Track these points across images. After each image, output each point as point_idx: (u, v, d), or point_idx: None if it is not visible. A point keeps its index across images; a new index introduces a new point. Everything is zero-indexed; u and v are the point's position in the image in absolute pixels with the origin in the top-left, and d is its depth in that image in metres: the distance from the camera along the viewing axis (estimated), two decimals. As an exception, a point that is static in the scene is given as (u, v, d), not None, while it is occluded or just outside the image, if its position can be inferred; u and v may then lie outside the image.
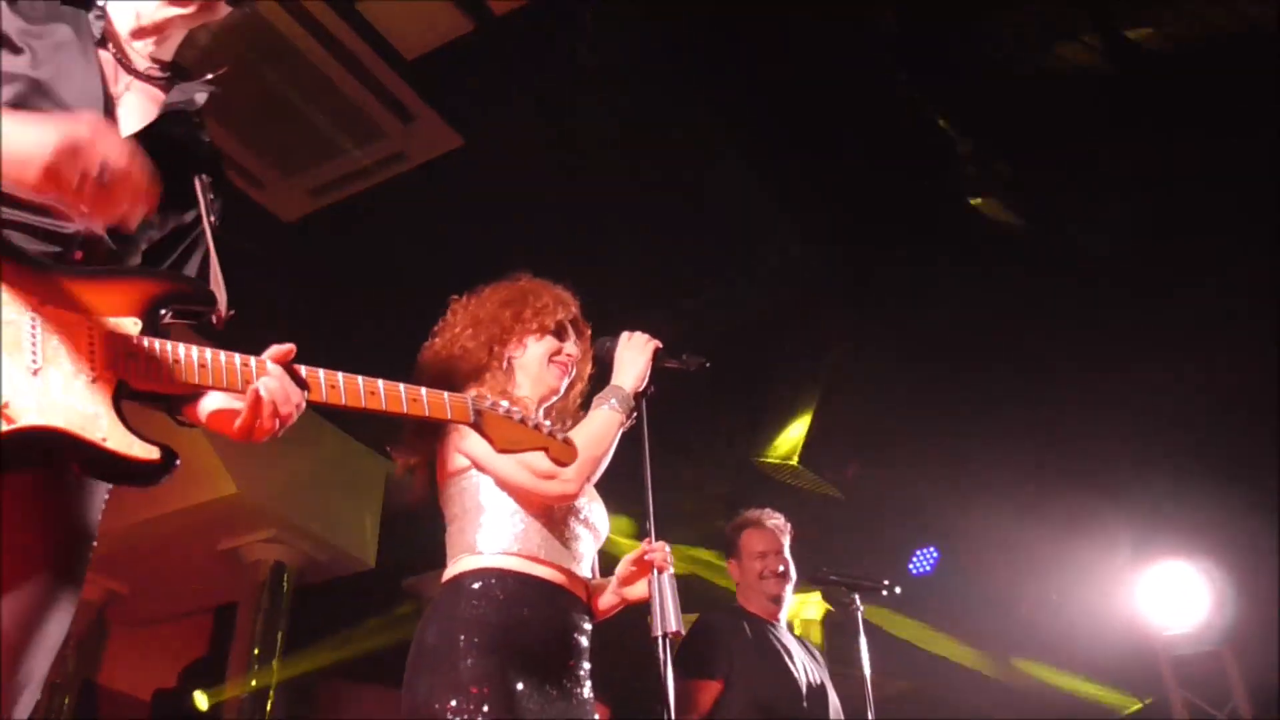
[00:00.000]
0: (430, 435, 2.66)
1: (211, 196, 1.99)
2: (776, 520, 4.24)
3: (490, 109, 5.70)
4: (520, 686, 2.38)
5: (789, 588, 4.13)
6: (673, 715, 2.31)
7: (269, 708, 7.44)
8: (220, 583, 8.24)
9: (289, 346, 1.81)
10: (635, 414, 2.61)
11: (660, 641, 2.33)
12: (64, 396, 1.61)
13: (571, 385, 2.82)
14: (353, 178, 6.02)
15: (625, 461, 2.61)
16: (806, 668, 3.98)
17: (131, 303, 1.72)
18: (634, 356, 2.66)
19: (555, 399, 2.79)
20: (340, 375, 1.88)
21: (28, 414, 1.56)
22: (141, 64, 1.96)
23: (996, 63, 5.39)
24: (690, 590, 3.90)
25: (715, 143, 5.98)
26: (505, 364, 2.71)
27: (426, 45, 5.25)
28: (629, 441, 2.62)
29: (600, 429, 2.54)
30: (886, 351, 6.92)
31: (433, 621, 2.50)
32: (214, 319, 1.86)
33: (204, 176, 1.98)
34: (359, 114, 5.61)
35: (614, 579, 2.66)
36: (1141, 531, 7.14)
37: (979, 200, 6.01)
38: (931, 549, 7.41)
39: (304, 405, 1.82)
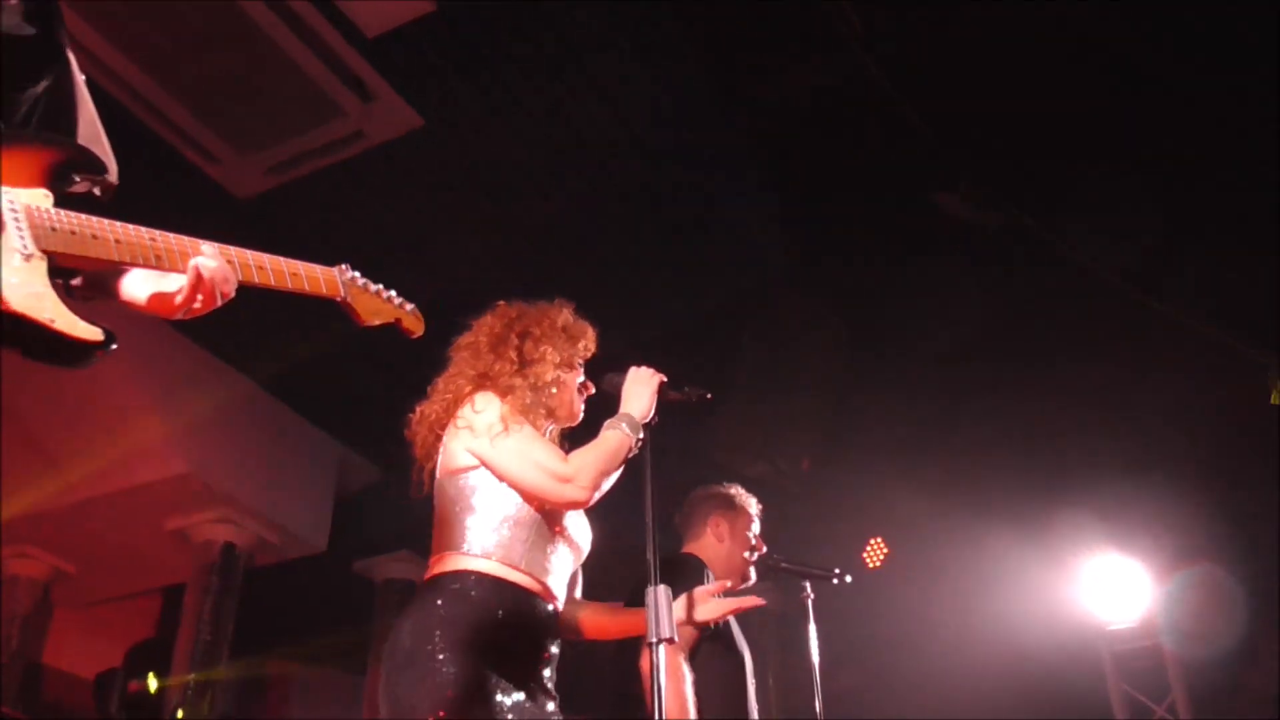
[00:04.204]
0: (435, 436, 2.75)
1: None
2: (759, 507, 4.17)
3: (452, 89, 5.64)
4: (496, 686, 2.43)
5: None
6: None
7: (217, 690, 7.33)
8: (168, 563, 8.11)
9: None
10: (641, 442, 2.71)
11: (653, 648, 2.45)
12: (8, 275, 1.52)
13: None
14: (310, 156, 5.92)
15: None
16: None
17: (34, 173, 1.63)
18: (641, 389, 2.78)
19: (568, 425, 2.91)
20: (233, 250, 1.86)
21: None
22: None
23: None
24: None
25: (679, 132, 5.95)
26: (553, 377, 2.83)
27: (388, 23, 5.19)
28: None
29: (613, 446, 2.66)
30: (843, 345, 6.91)
31: (409, 620, 2.52)
32: (99, 190, 1.80)
33: (63, 28, 1.88)
34: (318, 91, 5.51)
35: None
36: (1086, 526, 7.20)
37: (943, 196, 5.98)
38: (881, 541, 7.46)
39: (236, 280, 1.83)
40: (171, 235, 1.76)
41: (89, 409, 6.88)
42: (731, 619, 3.91)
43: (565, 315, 2.89)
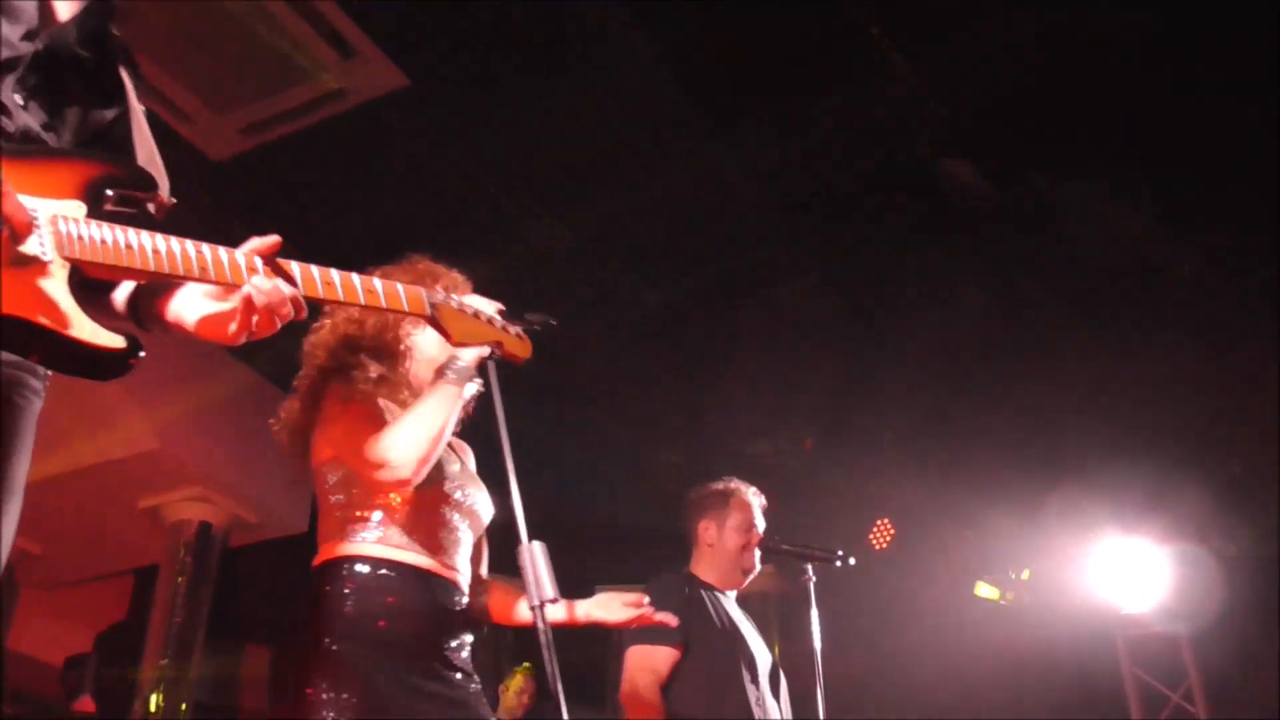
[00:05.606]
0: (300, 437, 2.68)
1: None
2: (760, 498, 4.10)
3: (440, 48, 5.45)
4: (385, 674, 2.35)
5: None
6: (560, 691, 2.26)
7: (191, 676, 7.25)
8: (140, 543, 7.98)
9: (274, 239, 1.74)
10: (480, 381, 2.51)
11: (537, 611, 2.26)
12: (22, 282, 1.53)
13: None
14: (287, 116, 5.76)
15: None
16: (758, 644, 3.89)
17: (71, 185, 1.64)
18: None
19: None
20: (296, 264, 1.80)
21: None
22: None
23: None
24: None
25: (679, 116, 5.81)
26: (404, 346, 2.69)
27: (372, -25, 5.04)
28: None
29: (429, 405, 2.44)
30: (848, 324, 6.84)
31: (299, 615, 2.49)
32: (153, 207, 1.76)
33: (129, 66, 1.92)
34: (296, 47, 5.35)
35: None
36: (1102, 511, 7.16)
37: (944, 161, 5.86)
38: (888, 522, 7.38)
39: (302, 300, 1.75)
40: (222, 248, 1.72)
41: (54, 380, 6.63)
42: (742, 617, 3.91)
43: (416, 270, 2.68)
